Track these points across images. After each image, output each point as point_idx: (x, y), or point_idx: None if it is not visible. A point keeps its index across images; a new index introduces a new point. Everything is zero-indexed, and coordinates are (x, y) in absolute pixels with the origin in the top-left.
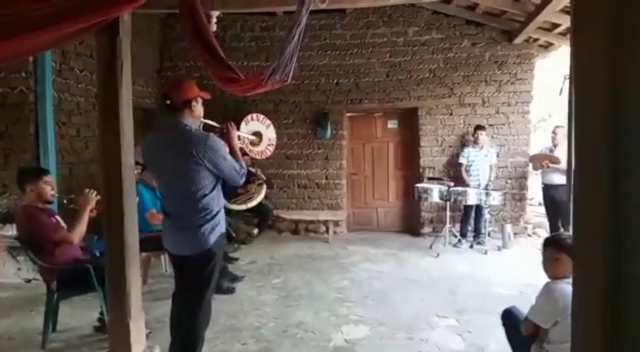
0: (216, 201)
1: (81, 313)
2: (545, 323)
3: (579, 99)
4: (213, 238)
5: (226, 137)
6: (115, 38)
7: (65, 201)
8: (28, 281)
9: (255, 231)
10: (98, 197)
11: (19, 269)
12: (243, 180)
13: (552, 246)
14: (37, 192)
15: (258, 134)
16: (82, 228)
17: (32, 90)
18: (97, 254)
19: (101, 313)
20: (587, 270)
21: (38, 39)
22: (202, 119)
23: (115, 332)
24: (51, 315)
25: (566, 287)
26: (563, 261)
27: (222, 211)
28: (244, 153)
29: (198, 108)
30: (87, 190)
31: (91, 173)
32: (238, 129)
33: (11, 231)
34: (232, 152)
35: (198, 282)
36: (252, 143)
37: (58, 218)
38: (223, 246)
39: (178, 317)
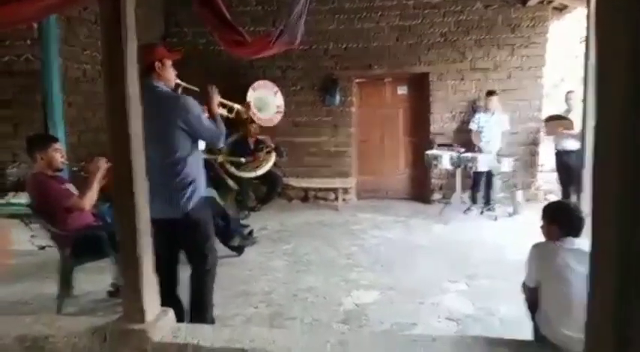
0: (195, 165)
1: (95, 278)
2: (529, 281)
3: (600, 61)
4: (191, 203)
5: (206, 100)
6: (118, 3)
7: (75, 169)
8: (42, 248)
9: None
10: (108, 164)
11: (32, 236)
12: (222, 140)
13: (542, 215)
14: (47, 160)
15: (247, 104)
16: (92, 194)
17: (38, 57)
18: (109, 220)
19: (115, 278)
20: (602, 236)
21: (38, 4)
22: (181, 82)
23: (128, 296)
24: (65, 281)
25: (548, 245)
26: (544, 227)
27: (202, 175)
28: (252, 121)
29: (166, 71)
30: (97, 157)
31: (99, 140)
32: (245, 96)
33: (23, 198)
34: (212, 115)
35: (194, 249)
36: (239, 112)
37: (69, 185)
38: (207, 209)
39: (169, 284)
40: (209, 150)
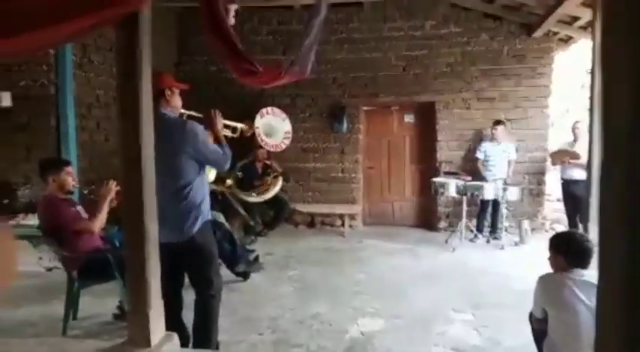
0: (200, 190)
1: (101, 301)
2: (537, 312)
3: (606, 92)
4: (196, 227)
5: (210, 124)
6: (134, 32)
7: (86, 192)
8: (50, 269)
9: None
10: (118, 188)
11: (40, 258)
12: (228, 165)
13: (549, 246)
14: (59, 183)
15: (248, 122)
16: (102, 217)
17: (53, 83)
18: (117, 244)
19: (120, 301)
20: (610, 267)
21: (58, 31)
22: (185, 111)
23: (134, 321)
24: (72, 303)
25: (555, 277)
26: (552, 258)
27: (207, 200)
28: (260, 146)
29: (174, 98)
30: (107, 181)
31: (110, 165)
32: (253, 122)
33: (33, 220)
34: (217, 138)
35: (199, 274)
36: (243, 130)
37: (80, 208)
38: (210, 234)
39: (174, 308)
40: (220, 178)
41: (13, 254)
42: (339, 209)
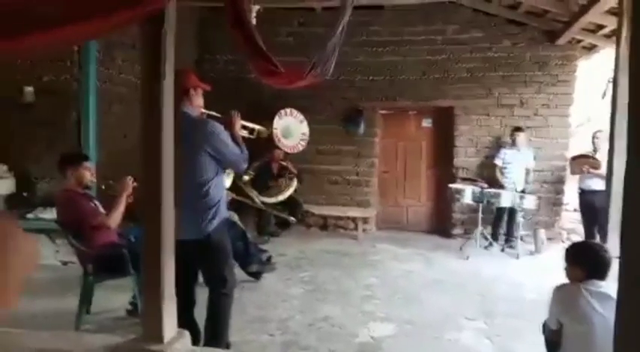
0: (218, 188)
1: (115, 296)
2: (551, 324)
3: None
4: (212, 225)
5: (229, 125)
6: (159, 30)
7: (104, 187)
8: (65, 263)
9: (292, 219)
10: (135, 184)
11: (56, 251)
12: (246, 165)
13: (565, 256)
14: (77, 177)
15: (268, 125)
16: (119, 213)
17: (76, 78)
18: (132, 239)
19: (134, 297)
20: (633, 279)
21: (84, 28)
22: (205, 110)
23: (148, 317)
24: (86, 297)
25: (570, 288)
26: (568, 268)
27: (224, 198)
28: (276, 146)
29: (197, 98)
30: (125, 177)
31: (128, 161)
32: (272, 123)
33: (51, 214)
34: (234, 139)
35: (214, 271)
36: (259, 132)
37: (97, 203)
38: (226, 232)
39: (186, 305)
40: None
41: (32, 248)
42: (352, 212)
